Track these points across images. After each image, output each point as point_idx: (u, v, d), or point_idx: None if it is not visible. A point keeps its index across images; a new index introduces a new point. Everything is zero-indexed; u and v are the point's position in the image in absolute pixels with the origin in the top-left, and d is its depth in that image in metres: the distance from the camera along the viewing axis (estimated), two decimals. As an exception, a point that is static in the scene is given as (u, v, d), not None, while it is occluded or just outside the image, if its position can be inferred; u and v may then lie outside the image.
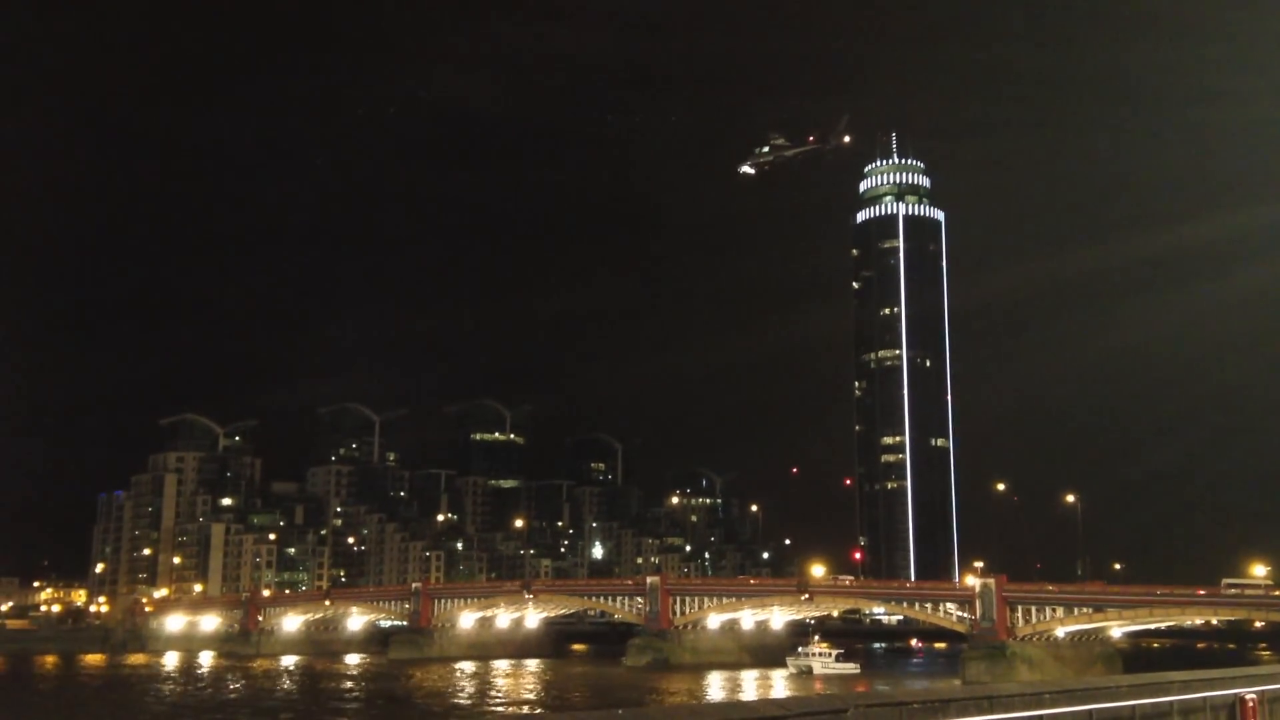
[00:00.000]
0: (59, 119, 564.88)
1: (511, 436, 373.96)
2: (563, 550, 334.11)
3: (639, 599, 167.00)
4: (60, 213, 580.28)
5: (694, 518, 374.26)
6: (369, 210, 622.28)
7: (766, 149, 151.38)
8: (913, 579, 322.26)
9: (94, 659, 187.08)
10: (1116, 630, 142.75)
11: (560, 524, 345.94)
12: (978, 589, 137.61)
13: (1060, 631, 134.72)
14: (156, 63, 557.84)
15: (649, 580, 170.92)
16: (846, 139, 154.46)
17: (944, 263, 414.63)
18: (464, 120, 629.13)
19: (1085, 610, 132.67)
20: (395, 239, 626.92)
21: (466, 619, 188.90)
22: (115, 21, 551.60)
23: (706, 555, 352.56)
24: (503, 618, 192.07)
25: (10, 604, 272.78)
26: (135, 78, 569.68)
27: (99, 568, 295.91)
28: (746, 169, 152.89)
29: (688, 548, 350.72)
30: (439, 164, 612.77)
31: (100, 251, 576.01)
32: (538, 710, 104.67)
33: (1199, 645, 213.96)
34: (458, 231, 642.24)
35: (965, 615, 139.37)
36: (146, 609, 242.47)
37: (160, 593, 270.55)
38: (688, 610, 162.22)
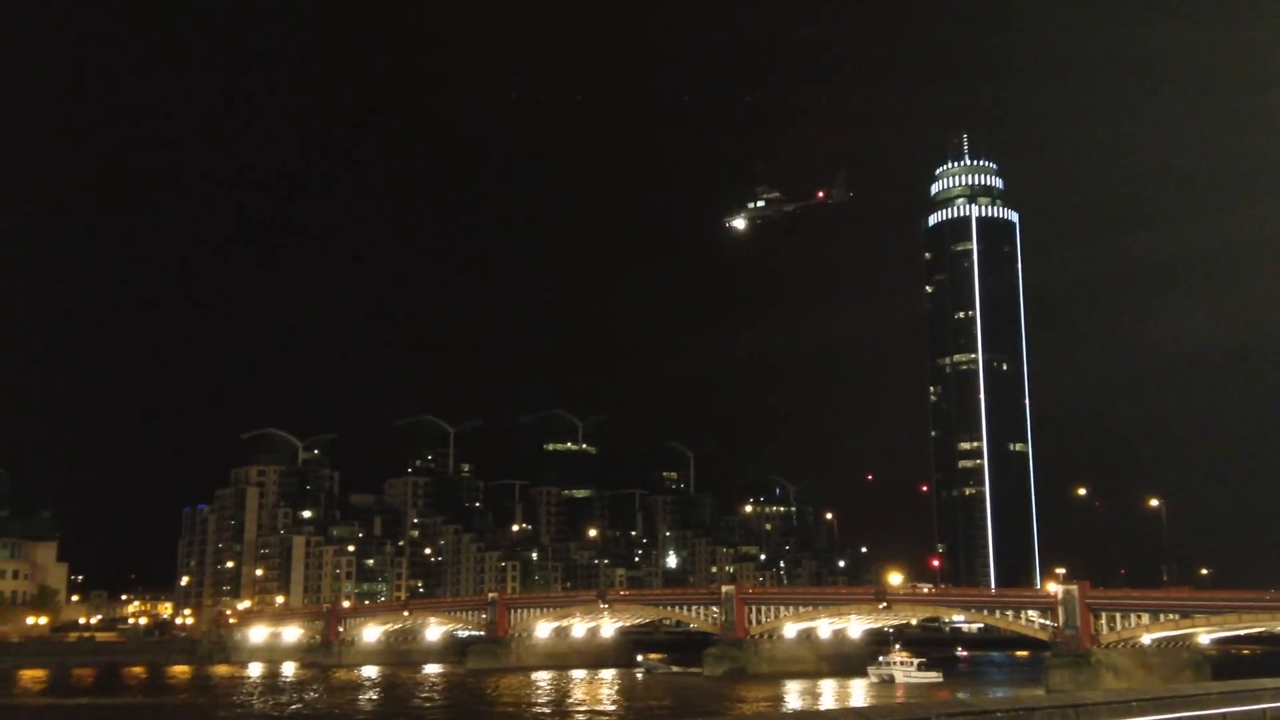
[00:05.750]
0: (130, 133, 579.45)
1: (584, 446, 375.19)
2: (637, 559, 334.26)
3: (714, 608, 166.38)
4: (138, 236, 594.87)
5: (768, 526, 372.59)
6: (439, 223, 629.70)
7: (762, 203, 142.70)
8: (993, 586, 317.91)
9: (180, 670, 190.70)
10: (1205, 637, 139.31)
11: (634, 533, 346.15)
12: (1060, 595, 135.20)
13: (1146, 639, 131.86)
14: (215, 70, 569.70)
15: (724, 589, 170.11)
16: (850, 194, 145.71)
17: (1019, 264, 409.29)
18: (527, 129, 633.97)
19: (1171, 616, 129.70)
20: (465, 251, 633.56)
21: (543, 629, 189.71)
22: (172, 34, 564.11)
23: (781, 564, 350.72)
24: (578, 627, 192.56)
25: (100, 617, 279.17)
26: (196, 89, 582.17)
27: (184, 580, 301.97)
28: (736, 223, 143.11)
29: (762, 556, 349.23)
30: (502, 176, 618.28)
31: (182, 270, 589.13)
32: None
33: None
34: (526, 244, 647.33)
35: (1048, 622, 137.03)
36: (230, 620, 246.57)
37: (244, 604, 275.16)
38: (764, 619, 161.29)
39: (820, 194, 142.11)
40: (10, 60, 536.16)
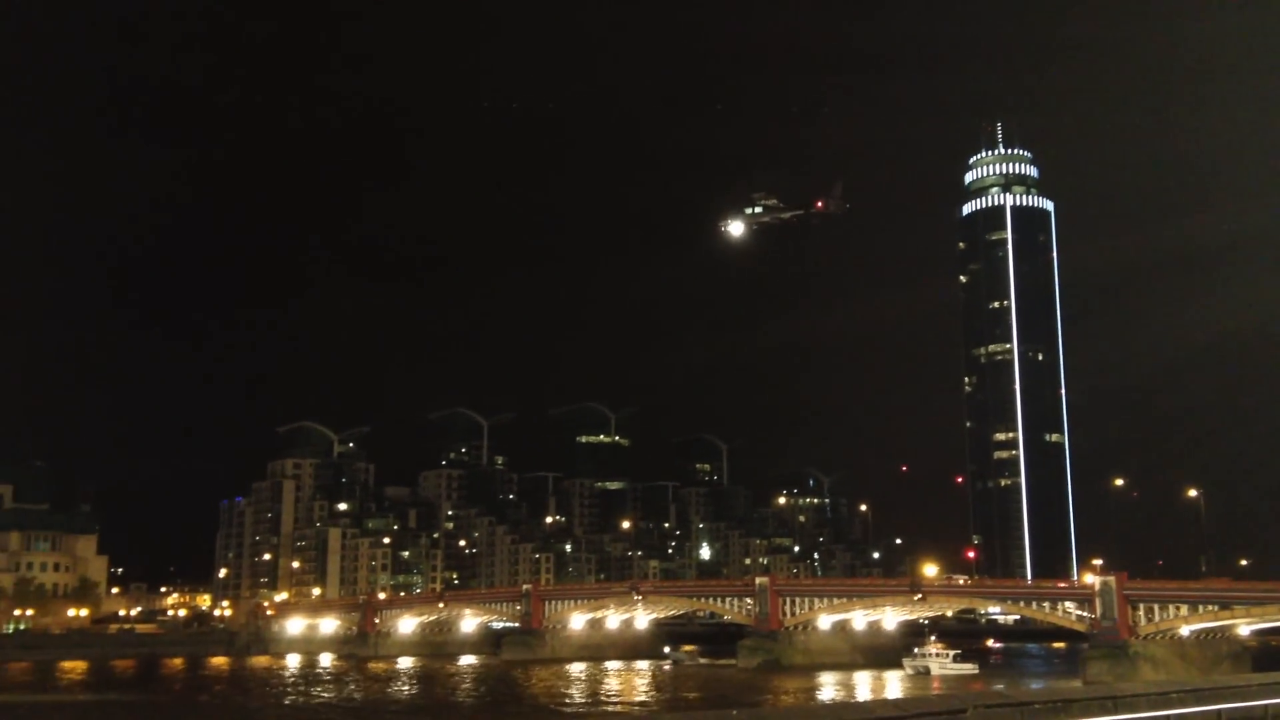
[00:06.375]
0: (146, 130, 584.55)
1: (616, 439, 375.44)
2: (670, 551, 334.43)
3: (748, 600, 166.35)
4: (175, 228, 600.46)
5: (801, 518, 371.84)
6: (473, 216, 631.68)
7: (760, 209, 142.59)
8: (1029, 577, 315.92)
9: (219, 661, 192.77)
10: (1244, 628, 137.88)
11: (667, 525, 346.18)
12: (1097, 587, 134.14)
13: (1185, 630, 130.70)
14: (241, 65, 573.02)
15: (758, 581, 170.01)
16: (847, 205, 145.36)
17: (1054, 253, 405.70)
18: (559, 124, 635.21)
19: (1210, 608, 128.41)
20: (499, 244, 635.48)
21: (577, 620, 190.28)
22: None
23: (815, 555, 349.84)
24: (612, 619, 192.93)
25: (139, 609, 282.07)
26: (234, 80, 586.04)
27: (222, 572, 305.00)
28: (733, 228, 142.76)
29: (796, 548, 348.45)
30: (535, 170, 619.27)
31: (220, 264, 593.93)
32: (655, 711, 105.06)
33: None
34: (559, 236, 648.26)
35: (1085, 614, 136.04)
36: (268, 612, 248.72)
37: (281, 596, 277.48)
38: (798, 611, 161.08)
39: (819, 204, 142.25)
40: (57, 56, 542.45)
